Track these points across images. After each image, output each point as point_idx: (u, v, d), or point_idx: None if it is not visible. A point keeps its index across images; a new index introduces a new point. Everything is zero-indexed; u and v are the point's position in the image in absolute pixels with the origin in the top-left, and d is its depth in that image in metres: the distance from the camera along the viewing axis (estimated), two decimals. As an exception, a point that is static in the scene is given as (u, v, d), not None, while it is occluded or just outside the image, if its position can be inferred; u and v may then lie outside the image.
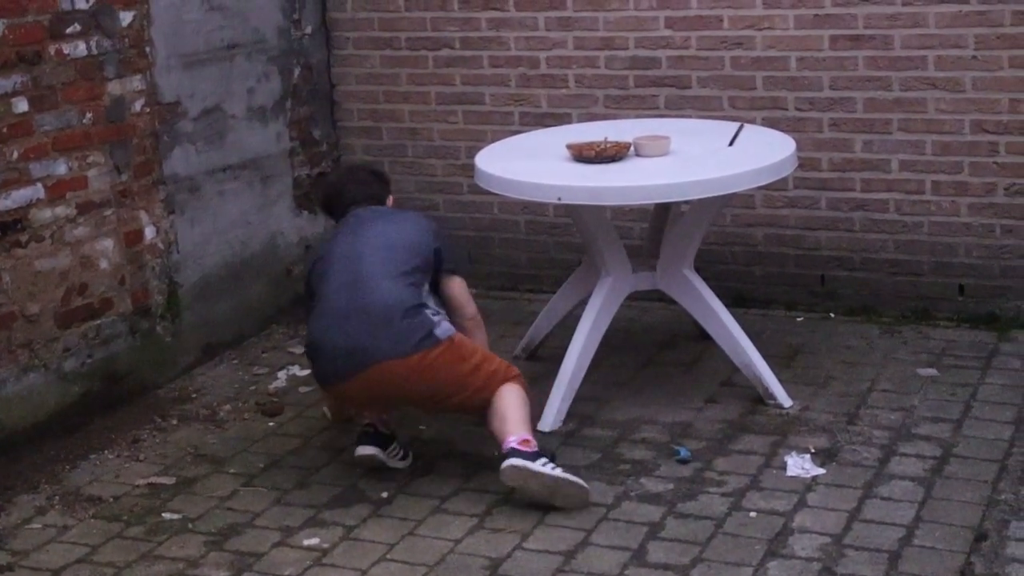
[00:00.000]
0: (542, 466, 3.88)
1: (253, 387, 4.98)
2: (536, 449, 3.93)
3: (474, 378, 4.00)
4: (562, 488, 3.87)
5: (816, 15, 5.13)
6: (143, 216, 4.91)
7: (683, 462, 4.15)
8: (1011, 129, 4.96)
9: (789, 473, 4.04)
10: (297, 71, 5.76)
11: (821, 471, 4.04)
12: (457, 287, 4.21)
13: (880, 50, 5.07)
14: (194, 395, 4.93)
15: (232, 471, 4.29)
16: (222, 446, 4.48)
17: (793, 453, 4.15)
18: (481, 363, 4.03)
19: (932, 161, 5.11)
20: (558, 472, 3.89)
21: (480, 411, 4.05)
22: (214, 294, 5.30)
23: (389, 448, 4.21)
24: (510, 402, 3.99)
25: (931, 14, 4.97)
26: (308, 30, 5.81)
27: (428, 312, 4.01)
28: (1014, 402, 4.43)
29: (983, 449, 4.11)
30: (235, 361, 5.25)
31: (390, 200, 4.47)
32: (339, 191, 4.39)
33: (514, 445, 3.91)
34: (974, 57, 4.95)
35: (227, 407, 4.80)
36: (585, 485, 3.92)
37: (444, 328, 4.02)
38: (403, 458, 4.25)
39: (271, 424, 4.64)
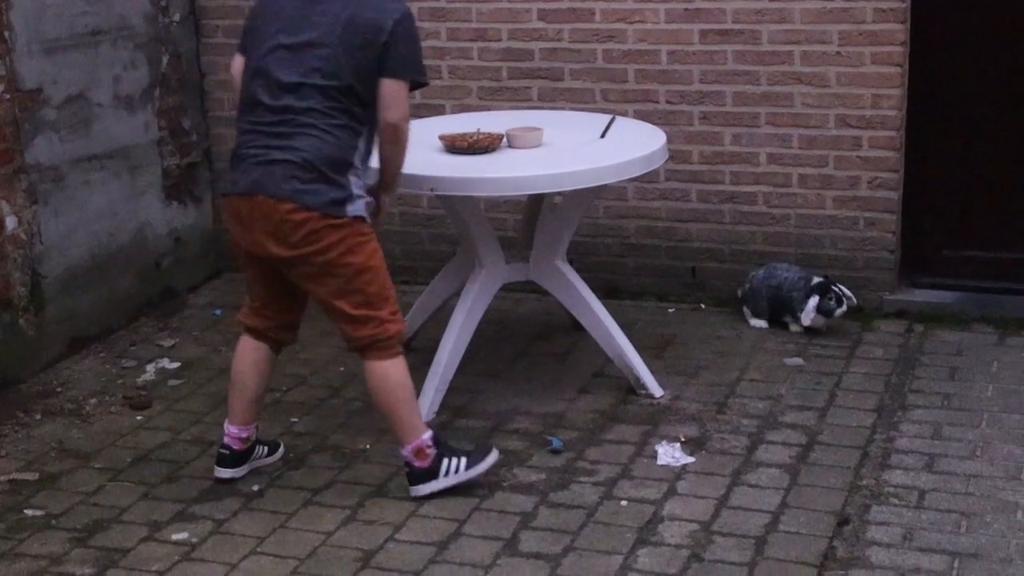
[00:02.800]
0: (444, 478, 3.86)
1: (121, 380, 4.88)
2: (431, 460, 3.85)
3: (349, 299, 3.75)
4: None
5: (686, 9, 5.20)
6: (4, 206, 4.77)
7: (556, 452, 4.17)
8: (874, 124, 5.09)
9: (659, 462, 4.10)
10: (165, 59, 5.65)
11: (691, 459, 4.10)
12: None
13: (748, 45, 5.16)
14: (59, 389, 4.81)
15: (98, 466, 4.20)
16: (88, 441, 4.38)
17: (664, 442, 4.20)
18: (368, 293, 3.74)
19: (798, 155, 5.22)
20: (463, 475, 3.88)
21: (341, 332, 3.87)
22: (80, 286, 5.17)
23: (252, 458, 4.08)
24: (393, 395, 3.81)
25: (796, 10, 5.07)
26: (176, 17, 5.70)
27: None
28: (876, 390, 4.56)
29: (846, 436, 4.22)
30: (102, 354, 5.14)
31: None
32: None
33: (409, 459, 3.85)
34: (838, 53, 5.06)
35: (93, 401, 4.70)
36: (490, 458, 3.94)
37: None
38: (270, 453, 4.16)
39: (139, 418, 4.56)
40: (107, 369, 5.00)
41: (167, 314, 5.55)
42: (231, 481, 4.03)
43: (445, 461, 3.88)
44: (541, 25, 5.40)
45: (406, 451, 3.87)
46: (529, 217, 4.83)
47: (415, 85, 3.82)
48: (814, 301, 4.96)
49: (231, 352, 5.06)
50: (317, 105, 3.68)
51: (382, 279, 3.81)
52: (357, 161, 3.75)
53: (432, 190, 4.28)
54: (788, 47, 5.12)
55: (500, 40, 5.47)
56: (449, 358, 4.47)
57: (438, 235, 5.67)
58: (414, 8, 5.47)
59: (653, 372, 4.62)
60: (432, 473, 3.86)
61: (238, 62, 3.88)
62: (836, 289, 4.97)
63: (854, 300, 5.02)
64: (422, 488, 3.87)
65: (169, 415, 4.57)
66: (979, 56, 5.09)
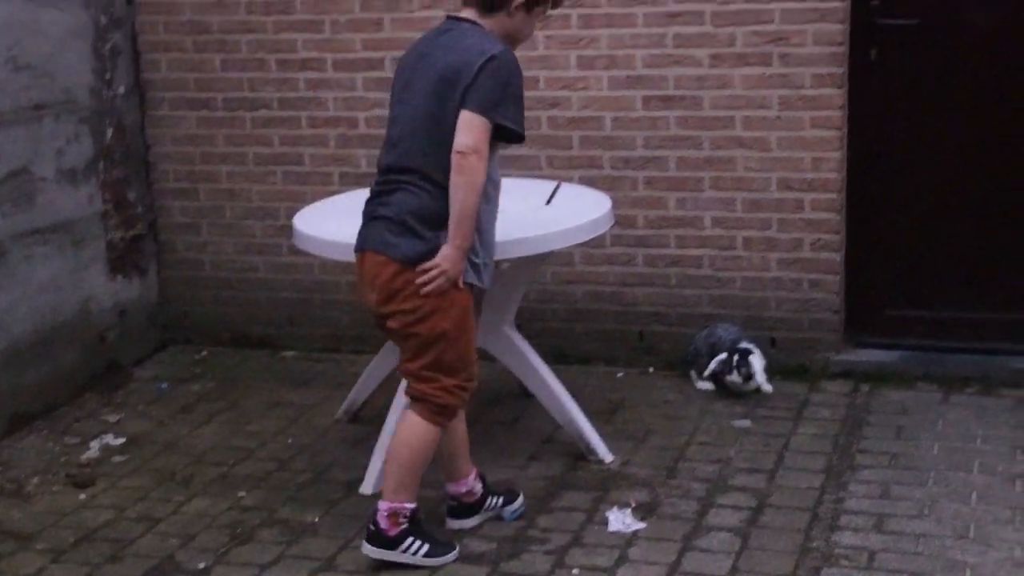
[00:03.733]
0: (399, 554, 3.83)
1: (64, 458, 4.81)
2: (398, 532, 3.81)
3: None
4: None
5: (628, 76, 5.26)
6: (-55, 283, 4.72)
7: (506, 519, 4.14)
8: (815, 187, 5.16)
9: (611, 528, 4.08)
10: (110, 132, 5.63)
11: (642, 525, 4.09)
12: None
13: (691, 111, 5.23)
14: (0, 467, 4.73)
15: (40, 547, 4.11)
16: (29, 521, 4.30)
17: (615, 508, 4.19)
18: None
19: (742, 218, 5.27)
20: (416, 560, 3.84)
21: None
22: (23, 362, 5.11)
23: (485, 508, 4.11)
24: (409, 453, 3.80)
25: (737, 76, 5.14)
26: (121, 90, 5.70)
27: None
28: (824, 451, 4.57)
29: (795, 498, 4.22)
30: (44, 432, 5.06)
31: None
32: None
33: (380, 518, 3.82)
34: (778, 118, 5.14)
35: (35, 480, 4.62)
36: (450, 556, 3.91)
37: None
38: (507, 503, 4.13)
39: (82, 496, 4.48)
40: (50, 447, 4.92)
41: (112, 389, 5.49)
42: (459, 531, 4.06)
43: (410, 539, 3.84)
44: (485, 94, 5.43)
45: (383, 508, 3.83)
46: (476, 284, 4.83)
47: (503, 134, 3.68)
48: (716, 361, 5.00)
49: (177, 427, 5.05)
50: (412, 164, 3.69)
51: (462, 347, 3.76)
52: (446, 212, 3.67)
53: (378, 260, 4.26)
54: (730, 112, 5.19)
55: (445, 109, 5.49)
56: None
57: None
58: (358, 78, 5.54)
59: (603, 437, 4.61)
60: (392, 543, 3.82)
61: None
62: (747, 363, 5.01)
63: (764, 386, 5.06)
64: (374, 551, 3.83)
65: (113, 492, 4.50)
66: (916, 118, 5.18)
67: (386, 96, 5.46)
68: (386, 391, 4.72)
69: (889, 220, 5.27)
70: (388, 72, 5.48)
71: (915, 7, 5.09)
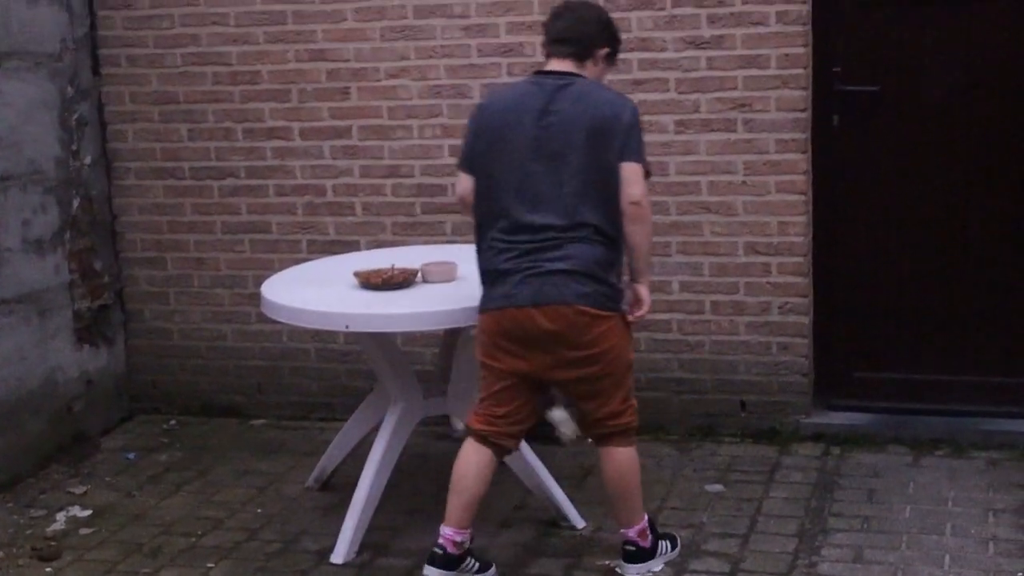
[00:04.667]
0: (659, 557, 4.17)
1: (29, 531, 4.74)
2: (651, 541, 4.15)
3: None
4: None
5: (595, 143, 5.30)
6: (-91, 355, 4.68)
7: (479, 589, 4.11)
8: (782, 251, 5.20)
9: (584, 595, 4.05)
10: (76, 202, 5.62)
11: (615, 591, 4.07)
12: None
13: (657, 176, 5.25)
14: (-36, 542, 4.67)
15: (5, 623, 4.06)
16: (-6, 596, 4.24)
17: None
18: None
19: (710, 282, 5.30)
20: (671, 555, 4.22)
21: None
22: (-13, 434, 5.06)
23: (461, 567, 4.07)
24: (633, 479, 4.10)
25: (702, 142, 5.20)
26: (87, 160, 5.70)
27: None
28: (796, 515, 4.57)
29: (768, 562, 4.21)
30: (9, 504, 5.00)
31: None
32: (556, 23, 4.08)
33: (635, 540, 4.13)
34: (744, 183, 5.19)
35: (0, 554, 4.55)
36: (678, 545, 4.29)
37: None
38: (480, 571, 4.12)
39: (48, 570, 4.41)
40: (14, 519, 4.85)
41: (79, 459, 5.43)
42: None
43: (661, 543, 4.18)
44: (453, 161, 5.46)
45: (633, 532, 4.10)
46: (446, 351, 4.83)
47: (647, 173, 3.97)
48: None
49: (145, 497, 5.00)
50: (586, 219, 3.83)
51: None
52: (616, 258, 3.94)
53: (347, 327, 4.27)
54: (696, 178, 5.23)
55: (413, 176, 5.52)
56: (368, 495, 4.42)
57: (355, 371, 5.64)
58: (325, 146, 5.58)
59: (574, 503, 4.59)
60: (652, 553, 4.14)
61: (467, 182, 3.98)
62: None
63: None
64: (641, 567, 4.12)
65: (79, 566, 4.44)
66: (880, 182, 5.24)
67: (352, 163, 5.56)
68: (356, 459, 4.70)
69: (856, 283, 5.32)
70: (356, 139, 5.53)
71: (875, 74, 5.17)
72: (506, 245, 3.86)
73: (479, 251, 3.97)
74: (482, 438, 4.03)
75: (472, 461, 4.03)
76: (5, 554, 4.55)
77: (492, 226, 3.90)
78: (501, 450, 4.07)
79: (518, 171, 3.85)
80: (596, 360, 3.90)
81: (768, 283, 5.23)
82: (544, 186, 3.83)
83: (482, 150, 3.93)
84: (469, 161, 3.98)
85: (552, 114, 3.84)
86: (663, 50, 5.17)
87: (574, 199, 3.82)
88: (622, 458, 4.05)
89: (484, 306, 3.94)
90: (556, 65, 3.96)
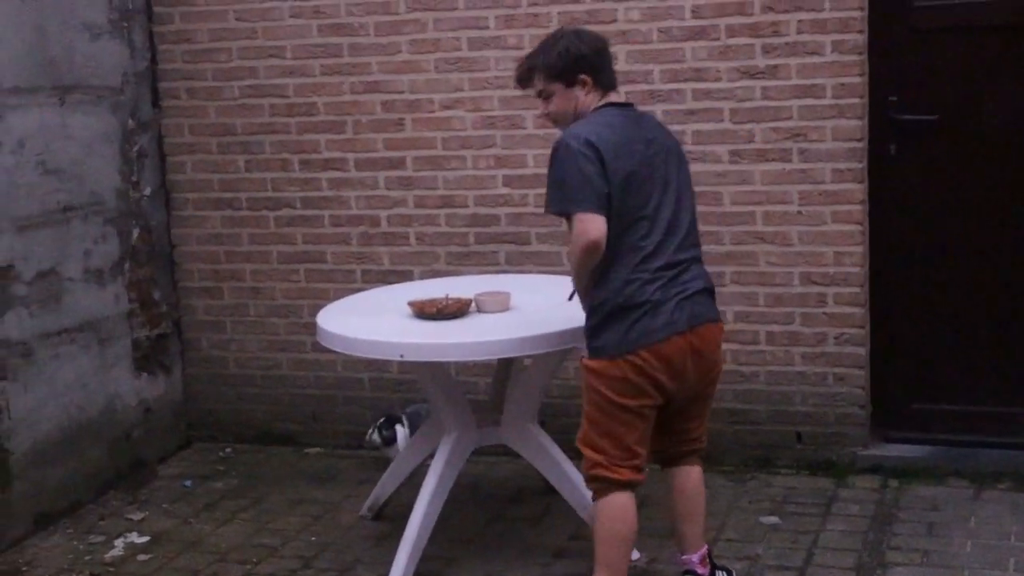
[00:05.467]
0: None
1: (88, 557, 4.79)
2: (709, 569, 4.10)
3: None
4: None
5: (649, 173, 5.30)
6: (-28, 383, 4.75)
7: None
8: (837, 281, 5.16)
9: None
10: (136, 232, 5.70)
11: (670, 624, 4.04)
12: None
13: (711, 206, 5.26)
14: (24, 568, 4.72)
15: (63, 649, 4.10)
16: (53, 622, 4.29)
17: (641, 606, 4.14)
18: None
19: (765, 312, 5.27)
20: None
21: None
22: (48, 461, 5.12)
23: None
24: (702, 499, 4.14)
25: (757, 172, 5.18)
26: (147, 192, 5.78)
27: None
28: (854, 548, 4.52)
29: (825, 595, 4.17)
30: (70, 530, 5.06)
31: None
32: (610, 58, 3.98)
33: (695, 566, 4.06)
34: (799, 212, 5.16)
35: (59, 580, 4.61)
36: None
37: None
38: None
39: (106, 596, 4.47)
40: (74, 545, 4.91)
41: (137, 486, 5.48)
42: None
43: (717, 573, 4.12)
44: (506, 191, 5.50)
45: (697, 556, 4.07)
46: (499, 380, 4.84)
47: None
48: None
49: (201, 524, 5.03)
50: (697, 241, 3.97)
51: None
52: None
53: (401, 356, 4.28)
54: (750, 208, 5.22)
55: (467, 206, 5.55)
56: (422, 525, 4.42)
57: (409, 400, 5.66)
58: (380, 177, 5.62)
59: (628, 534, 4.57)
60: None
61: (602, 223, 3.69)
62: (392, 428, 5.27)
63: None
64: None
65: (137, 592, 4.49)
66: (938, 211, 5.19)
67: (407, 194, 5.60)
68: (410, 488, 4.70)
69: (914, 313, 5.27)
70: (410, 170, 5.58)
71: (933, 103, 5.13)
72: (651, 276, 3.77)
73: (612, 289, 3.76)
74: (633, 487, 3.93)
75: (631, 509, 3.93)
76: (64, 580, 4.61)
77: (630, 262, 3.76)
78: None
79: (650, 202, 3.80)
80: (719, 375, 4.03)
81: (824, 313, 5.20)
82: (668, 212, 3.83)
83: (617, 186, 3.73)
84: (603, 200, 3.71)
85: (653, 143, 3.85)
86: (717, 80, 5.17)
87: (689, 222, 3.90)
88: (699, 474, 4.12)
89: (639, 343, 3.75)
90: (613, 97, 3.94)
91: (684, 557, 4.11)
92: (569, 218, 3.73)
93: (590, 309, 3.85)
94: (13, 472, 4.93)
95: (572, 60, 3.85)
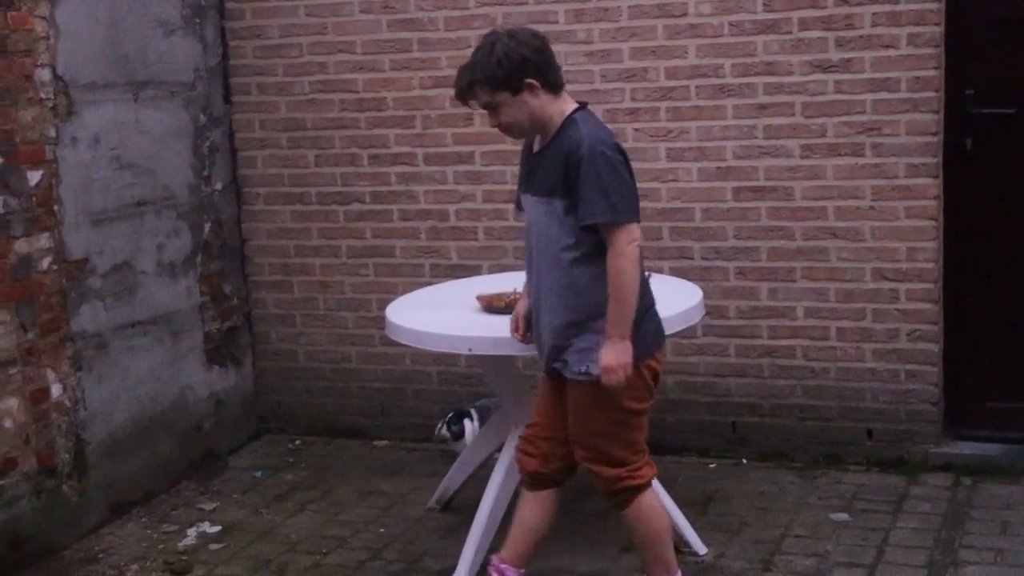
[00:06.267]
0: None
1: (162, 545, 4.86)
2: None
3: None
4: None
5: (719, 168, 5.28)
6: (49, 374, 4.83)
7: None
8: (910, 277, 5.10)
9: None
10: (207, 226, 5.77)
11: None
12: None
13: (782, 201, 5.22)
14: (101, 555, 4.79)
15: (137, 635, 4.16)
16: (127, 609, 4.36)
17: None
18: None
19: (836, 308, 5.23)
20: None
21: None
22: (123, 451, 5.20)
23: None
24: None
25: (829, 167, 5.14)
26: (218, 186, 5.85)
27: None
28: (925, 546, 4.47)
29: (897, 593, 4.13)
30: (144, 519, 5.13)
31: None
32: (550, 53, 3.68)
33: None
34: (872, 208, 5.11)
35: (135, 567, 4.67)
36: None
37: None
38: None
39: (179, 585, 4.53)
40: (148, 534, 4.98)
41: (208, 477, 5.55)
42: None
43: None
44: (576, 185, 5.48)
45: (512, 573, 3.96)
46: (568, 375, 4.83)
47: None
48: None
49: (271, 515, 5.09)
50: None
51: None
52: None
53: (470, 350, 4.30)
54: (822, 203, 5.17)
55: (536, 201, 5.55)
56: (489, 517, 4.43)
57: (477, 393, 5.67)
58: (448, 171, 5.64)
59: (696, 529, 4.55)
60: None
61: (639, 230, 3.62)
62: (460, 423, 5.18)
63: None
64: None
65: (209, 581, 4.55)
66: (1015, 207, 5.11)
67: (475, 188, 5.62)
68: (477, 481, 4.72)
69: (988, 310, 5.19)
70: (479, 165, 5.59)
71: (1011, 96, 5.05)
72: (646, 276, 3.79)
73: (645, 291, 3.72)
74: (650, 480, 3.90)
75: (658, 499, 3.93)
76: (139, 567, 4.67)
77: (643, 265, 3.76)
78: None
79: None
80: None
81: (896, 310, 5.14)
82: None
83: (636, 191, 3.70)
84: (638, 208, 3.67)
85: None
86: (789, 74, 5.12)
87: None
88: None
89: (656, 346, 3.76)
90: (570, 98, 3.73)
91: (504, 565, 3.97)
92: (616, 228, 3.55)
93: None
94: (89, 462, 5.01)
95: (514, 65, 3.57)
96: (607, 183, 3.54)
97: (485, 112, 3.54)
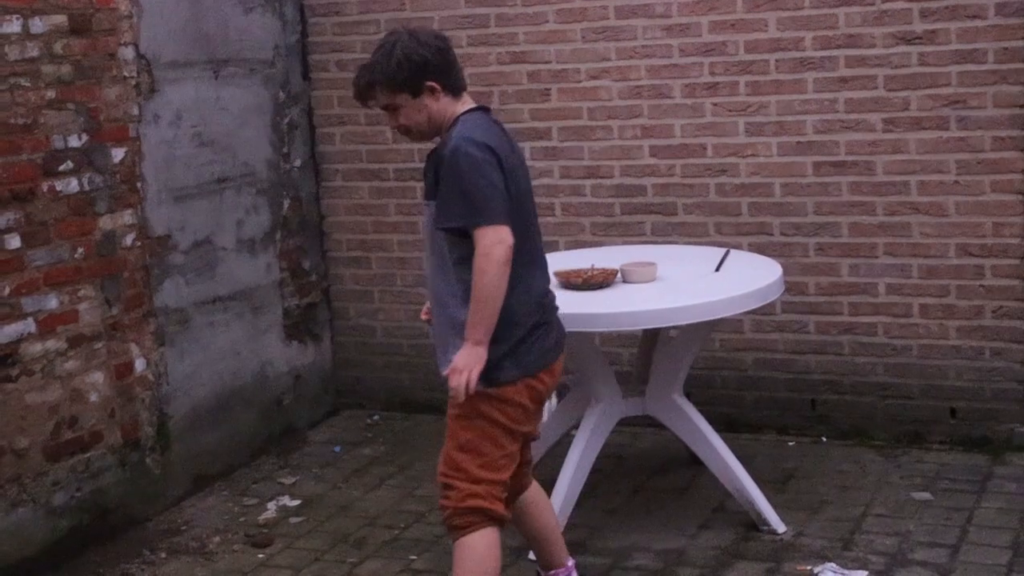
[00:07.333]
0: None
1: (243, 518, 4.93)
2: None
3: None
4: None
5: (799, 142, 5.22)
6: (133, 348, 4.91)
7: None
8: (996, 252, 5.01)
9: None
10: (286, 203, 5.82)
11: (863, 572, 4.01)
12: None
13: (863, 176, 5.15)
14: (183, 527, 4.88)
15: (220, 606, 4.23)
16: (210, 580, 4.43)
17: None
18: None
19: (919, 284, 5.15)
20: None
21: None
22: (204, 425, 5.27)
23: None
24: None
25: (912, 140, 5.05)
26: (297, 163, 5.89)
27: None
28: (1010, 526, 4.40)
29: (981, 575, 4.06)
30: (225, 492, 5.21)
31: None
32: (455, 57, 3.56)
33: None
34: (956, 182, 5.02)
35: (216, 539, 4.74)
36: None
37: None
38: None
39: (260, 556, 4.58)
40: (229, 507, 5.06)
41: (288, 451, 5.62)
42: None
43: None
44: (653, 161, 5.45)
45: (562, 572, 3.88)
46: (645, 351, 4.82)
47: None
48: None
49: (350, 489, 5.13)
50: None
51: None
52: None
53: (548, 326, 4.29)
54: (904, 177, 5.09)
55: (612, 177, 5.53)
56: (567, 494, 4.44)
57: (554, 370, 5.66)
58: (525, 148, 5.62)
59: (775, 507, 4.52)
60: None
61: (509, 232, 3.40)
62: None
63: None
64: None
65: (289, 553, 4.59)
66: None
67: (552, 164, 5.60)
68: (555, 457, 4.72)
69: (1075, 286, 5.09)
70: (556, 140, 5.58)
71: (1099, 67, 4.94)
72: (542, 292, 3.61)
73: (517, 304, 3.47)
74: (503, 524, 3.58)
75: (499, 546, 3.59)
76: (221, 539, 4.74)
77: (527, 277, 3.53)
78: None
79: (532, 212, 3.63)
80: None
81: (981, 286, 5.05)
82: (537, 228, 3.68)
83: (516, 195, 3.48)
84: (507, 209, 3.42)
85: (521, 155, 3.65)
86: (872, 46, 5.04)
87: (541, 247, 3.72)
88: (538, 485, 3.93)
89: (539, 364, 3.54)
90: (470, 100, 3.60)
91: (551, 573, 3.88)
92: (478, 230, 3.36)
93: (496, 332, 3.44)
94: (172, 435, 5.09)
95: (415, 68, 3.45)
96: (467, 185, 3.36)
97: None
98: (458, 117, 3.52)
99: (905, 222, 5.12)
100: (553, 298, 3.70)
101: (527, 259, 3.52)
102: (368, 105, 3.65)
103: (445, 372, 3.49)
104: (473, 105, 3.58)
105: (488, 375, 3.44)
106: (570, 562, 3.88)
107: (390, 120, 3.60)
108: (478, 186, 3.37)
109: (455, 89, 3.54)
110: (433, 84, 3.48)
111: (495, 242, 3.35)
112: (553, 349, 3.60)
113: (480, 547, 3.51)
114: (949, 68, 4.95)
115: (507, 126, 5.58)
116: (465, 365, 3.41)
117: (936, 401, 5.17)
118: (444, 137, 3.52)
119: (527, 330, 3.50)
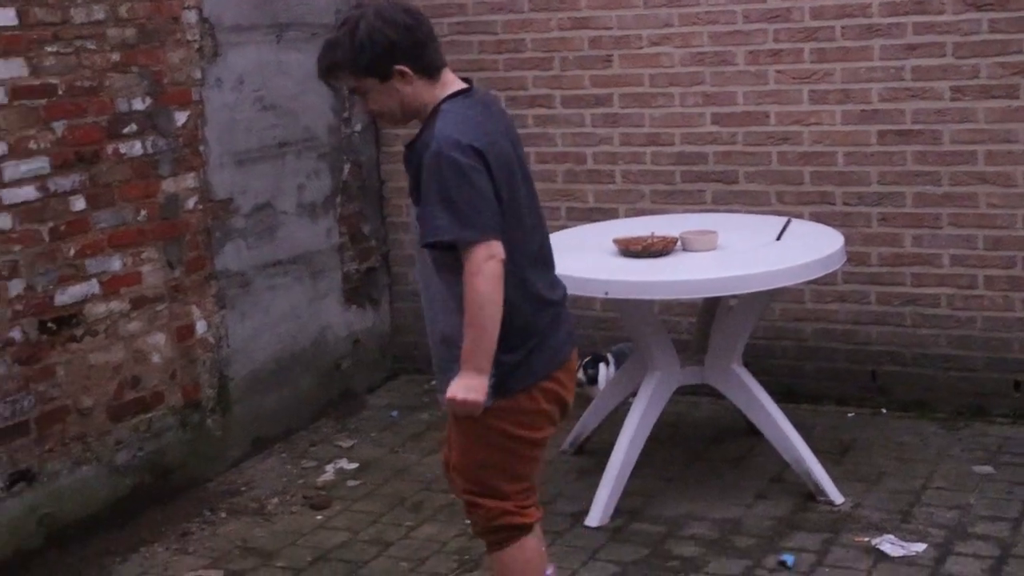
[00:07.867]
0: None
1: (301, 480, 4.98)
2: None
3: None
4: None
5: (863, 111, 5.15)
6: (195, 311, 4.96)
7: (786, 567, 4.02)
8: (1063, 223, 4.94)
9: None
10: (347, 168, 5.84)
11: (923, 546, 4.03)
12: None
13: (929, 145, 5.07)
14: (243, 488, 4.93)
15: (280, 565, 4.28)
16: (270, 540, 4.47)
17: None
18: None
19: (984, 256, 5.08)
20: None
21: None
22: (264, 388, 5.32)
23: None
24: None
25: (980, 109, 4.97)
26: (358, 128, 5.90)
27: None
28: (1073, 501, 4.35)
29: (1042, 549, 4.03)
30: (284, 454, 5.26)
31: None
32: (430, 34, 3.16)
33: None
34: (1024, 152, 4.94)
35: (275, 500, 4.80)
36: None
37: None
38: None
39: (319, 518, 4.63)
40: (288, 469, 5.11)
41: (346, 415, 5.66)
42: None
43: None
44: (715, 129, 5.41)
45: None
46: (704, 320, 4.80)
47: None
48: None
49: (408, 453, 5.17)
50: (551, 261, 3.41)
51: None
52: None
53: (606, 293, 4.29)
54: (971, 147, 5.01)
55: (673, 144, 5.49)
56: (623, 462, 4.44)
57: (612, 338, 5.66)
58: (586, 114, 5.60)
59: (833, 478, 4.50)
60: None
61: (500, 246, 3.05)
62: (596, 367, 5.26)
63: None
64: None
65: (347, 515, 4.64)
66: None
67: (613, 131, 5.57)
68: (612, 425, 4.72)
69: None
70: (617, 107, 5.55)
71: None
72: (550, 289, 3.28)
73: (517, 305, 3.12)
74: (534, 525, 3.32)
75: (541, 547, 3.36)
76: (280, 501, 4.80)
77: (534, 279, 3.21)
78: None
79: (533, 208, 3.26)
80: None
81: (1048, 258, 4.98)
82: (538, 218, 3.31)
83: (508, 197, 3.12)
84: (498, 221, 3.06)
85: (509, 134, 3.25)
86: (940, 13, 4.96)
87: (548, 245, 3.34)
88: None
89: (552, 364, 3.21)
90: (452, 79, 3.20)
91: None
92: (468, 245, 3.01)
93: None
94: (232, 397, 5.15)
95: (380, 51, 3.08)
96: (453, 194, 3.00)
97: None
98: (438, 107, 3.13)
99: (971, 192, 5.04)
100: (563, 290, 3.35)
101: (530, 260, 3.20)
102: (332, 87, 3.30)
103: (444, 398, 3.17)
104: (455, 88, 3.18)
105: (497, 385, 3.12)
106: (549, 570, 3.46)
107: (362, 104, 3.29)
108: (464, 197, 3.00)
109: (429, 71, 3.13)
110: (403, 68, 3.09)
111: (486, 258, 3.01)
112: (564, 344, 3.26)
113: (520, 559, 3.28)
114: (1020, 35, 4.85)
115: (567, 93, 5.62)
116: (464, 397, 3.07)
117: (1000, 374, 5.10)
118: (424, 127, 3.14)
119: (541, 336, 3.20)
